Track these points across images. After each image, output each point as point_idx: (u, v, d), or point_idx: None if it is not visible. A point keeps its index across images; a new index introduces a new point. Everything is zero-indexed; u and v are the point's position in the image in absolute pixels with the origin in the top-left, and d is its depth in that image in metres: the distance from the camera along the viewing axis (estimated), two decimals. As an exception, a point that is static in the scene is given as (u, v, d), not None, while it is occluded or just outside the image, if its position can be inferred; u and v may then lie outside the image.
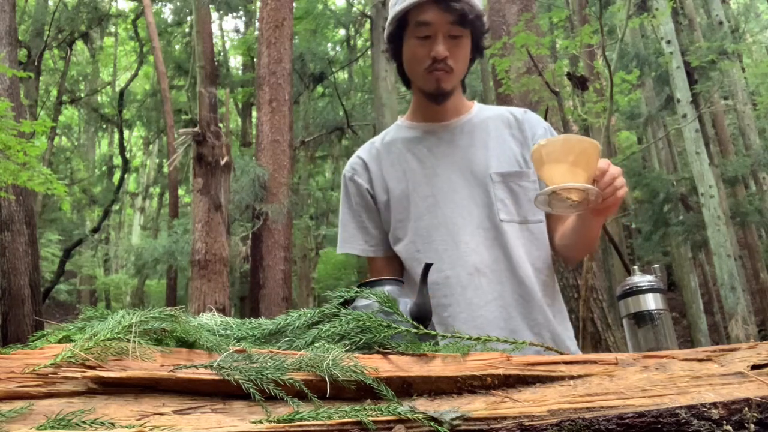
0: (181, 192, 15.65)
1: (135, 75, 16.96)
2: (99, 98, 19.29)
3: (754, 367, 0.77)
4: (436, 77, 1.44)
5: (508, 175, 1.48)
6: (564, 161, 1.12)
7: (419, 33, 1.42)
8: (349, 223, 1.57)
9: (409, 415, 0.67)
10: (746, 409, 0.68)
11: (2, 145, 5.35)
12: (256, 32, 11.88)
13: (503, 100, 5.68)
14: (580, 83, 4.78)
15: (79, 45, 16.65)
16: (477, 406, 0.72)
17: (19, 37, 11.17)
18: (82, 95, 18.04)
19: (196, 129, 6.68)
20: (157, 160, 20.00)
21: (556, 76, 4.83)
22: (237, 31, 19.53)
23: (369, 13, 12.51)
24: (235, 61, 19.15)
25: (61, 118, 17.81)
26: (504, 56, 5.05)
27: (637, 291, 1.20)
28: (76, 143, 20.77)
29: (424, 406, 0.71)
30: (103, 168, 19.54)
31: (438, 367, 0.79)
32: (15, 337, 7.84)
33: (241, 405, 0.70)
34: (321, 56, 13.37)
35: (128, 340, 0.75)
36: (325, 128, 13.38)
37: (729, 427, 0.67)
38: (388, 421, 0.66)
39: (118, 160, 17.92)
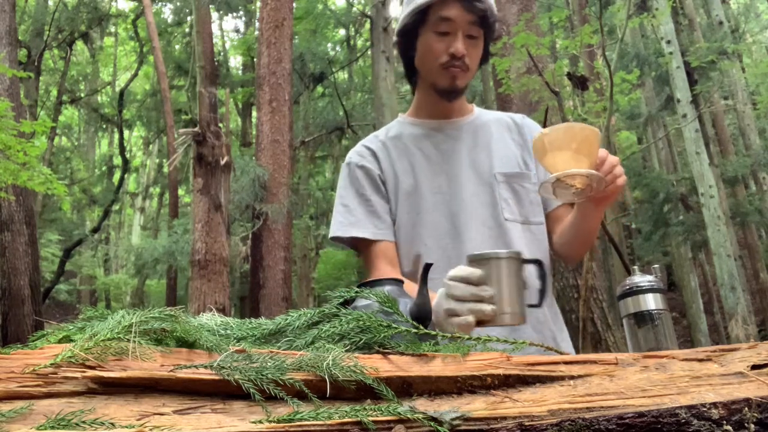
0: (181, 192, 15.66)
1: (135, 75, 16.96)
2: (99, 98, 19.29)
3: (754, 367, 0.77)
4: (452, 74, 1.45)
5: (511, 175, 1.49)
6: (567, 148, 1.13)
7: (439, 28, 1.42)
8: (357, 208, 1.51)
9: (409, 415, 0.67)
10: (746, 409, 0.68)
11: (2, 145, 5.35)
12: (256, 32, 11.88)
13: (503, 100, 5.68)
14: (580, 83, 4.78)
15: (79, 45, 16.65)
16: (477, 406, 0.72)
17: (19, 37, 11.17)
18: (82, 95, 18.04)
19: (196, 129, 6.68)
20: (157, 160, 20.00)
21: (556, 76, 4.83)
22: (237, 31, 19.54)
23: (369, 13, 12.51)
24: (235, 61, 19.17)
25: (61, 118, 17.81)
26: (504, 56, 5.05)
27: (637, 291, 1.19)
28: (76, 143, 20.78)
29: (424, 406, 0.71)
30: (103, 168, 19.55)
31: (438, 367, 0.79)
32: (15, 337, 7.84)
33: (241, 405, 0.70)
34: (321, 56, 13.37)
35: (128, 340, 0.75)
36: (325, 128, 13.38)
37: (729, 427, 0.67)
38: (388, 421, 0.66)
39: (118, 160, 17.93)
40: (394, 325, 0.89)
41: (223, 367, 0.73)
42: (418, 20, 1.44)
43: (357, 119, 13.59)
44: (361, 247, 1.51)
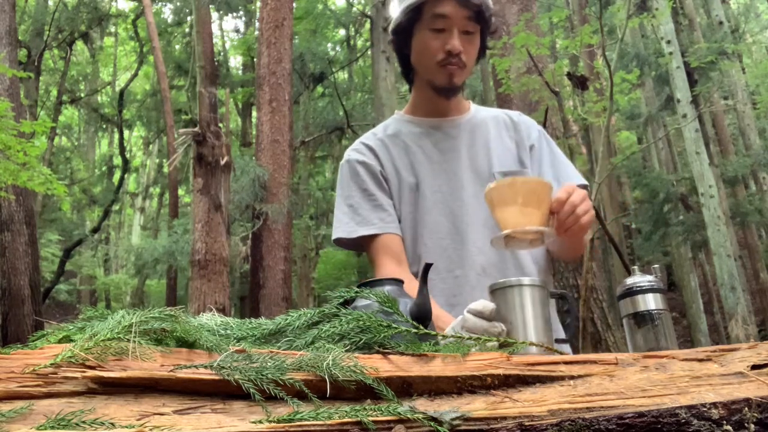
0: (181, 192, 15.65)
1: (135, 75, 16.96)
2: (99, 98, 19.28)
3: (754, 367, 0.77)
4: (449, 72, 1.43)
5: (509, 174, 1.48)
6: (513, 203, 1.14)
7: (434, 25, 1.40)
8: (362, 205, 1.48)
9: (409, 415, 0.67)
10: (746, 409, 0.68)
11: (2, 145, 5.35)
12: (256, 32, 11.88)
13: (503, 100, 5.68)
14: (580, 83, 4.79)
15: (79, 45, 16.65)
16: (477, 406, 0.72)
17: (19, 37, 11.17)
18: (82, 95, 18.04)
19: (196, 129, 6.68)
20: (157, 160, 19.99)
21: (556, 76, 4.84)
22: (237, 31, 19.54)
23: (369, 13, 12.51)
24: (235, 61, 19.16)
25: (61, 118, 17.81)
26: (504, 56, 5.05)
27: (637, 291, 1.19)
28: (76, 143, 20.77)
29: (424, 406, 0.71)
30: (103, 168, 19.54)
31: (438, 367, 0.79)
32: (15, 337, 7.84)
33: (241, 405, 0.70)
34: (321, 56, 13.36)
35: (128, 340, 0.75)
36: (325, 128, 13.37)
37: (729, 427, 0.67)
38: (388, 421, 0.66)
39: (118, 160, 17.92)
40: (394, 325, 0.89)
41: (223, 367, 0.73)
42: (412, 18, 1.42)
43: (357, 119, 13.58)
44: (366, 244, 1.48)
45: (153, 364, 0.74)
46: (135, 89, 18.11)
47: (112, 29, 18.55)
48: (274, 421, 0.65)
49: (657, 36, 9.09)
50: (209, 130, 6.60)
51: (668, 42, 8.21)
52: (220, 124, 7.11)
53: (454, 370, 0.78)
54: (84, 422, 0.63)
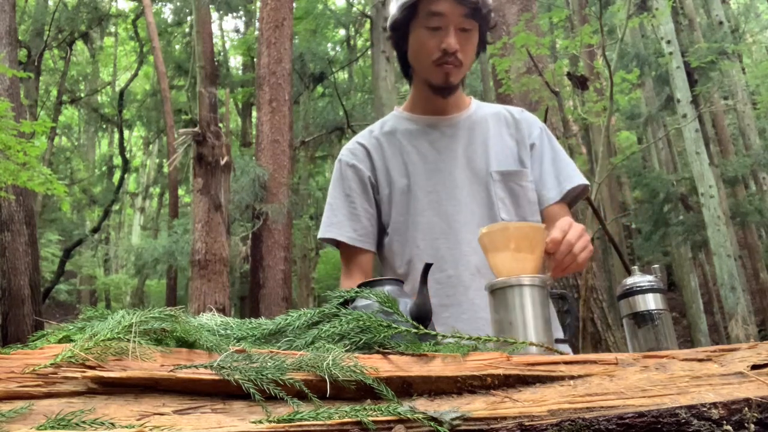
0: (181, 192, 15.66)
1: (135, 75, 16.96)
2: (99, 98, 19.29)
3: (754, 367, 0.77)
4: (445, 70, 1.42)
5: (507, 174, 1.47)
6: (505, 249, 1.14)
7: (430, 23, 1.38)
8: (340, 209, 1.51)
9: (409, 415, 0.67)
10: (746, 409, 0.68)
11: (2, 145, 5.36)
12: (256, 32, 11.88)
13: (503, 100, 5.67)
14: (580, 83, 4.79)
15: (79, 45, 16.65)
16: (477, 406, 0.72)
17: (19, 37, 11.17)
18: (82, 95, 18.04)
19: (196, 129, 6.68)
20: (157, 160, 20.00)
21: (556, 76, 4.84)
22: (237, 31, 19.55)
23: (369, 13, 12.51)
24: (235, 61, 19.16)
25: (61, 118, 17.81)
26: (504, 56, 5.05)
27: (637, 291, 1.19)
28: (76, 143, 20.78)
29: (424, 406, 0.71)
30: (103, 168, 19.54)
31: (438, 367, 0.79)
32: (15, 337, 7.84)
33: (241, 405, 0.70)
34: (321, 56, 13.36)
35: (128, 340, 0.75)
36: (325, 128, 13.37)
37: (729, 427, 0.67)
38: (388, 421, 0.66)
39: (118, 160, 17.93)
40: (394, 325, 0.89)
41: (223, 367, 0.73)
42: (408, 15, 1.41)
43: (357, 119, 13.57)
44: (340, 247, 1.52)
45: (153, 364, 0.74)
46: (135, 89, 18.12)
47: (112, 29, 18.56)
48: (274, 421, 0.65)
49: (657, 36, 9.09)
50: (209, 130, 6.60)
51: (668, 42, 8.22)
52: (220, 124, 7.12)
53: (454, 370, 0.78)
54: (84, 422, 0.63)
